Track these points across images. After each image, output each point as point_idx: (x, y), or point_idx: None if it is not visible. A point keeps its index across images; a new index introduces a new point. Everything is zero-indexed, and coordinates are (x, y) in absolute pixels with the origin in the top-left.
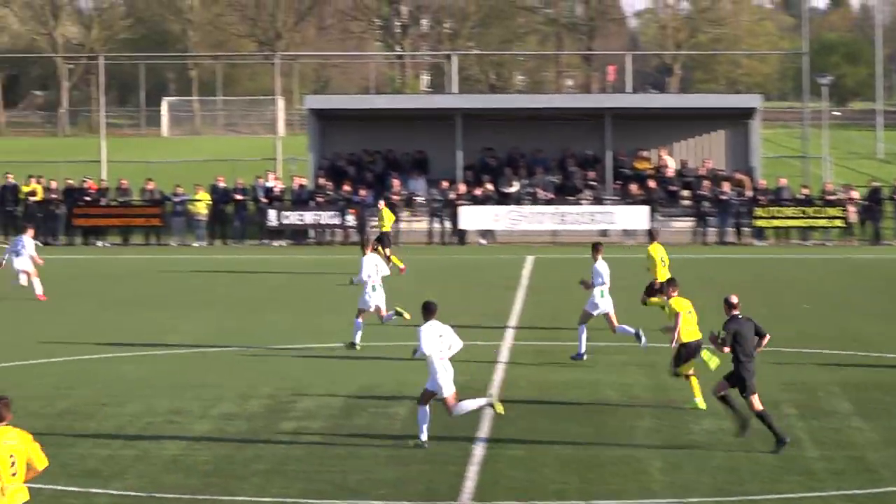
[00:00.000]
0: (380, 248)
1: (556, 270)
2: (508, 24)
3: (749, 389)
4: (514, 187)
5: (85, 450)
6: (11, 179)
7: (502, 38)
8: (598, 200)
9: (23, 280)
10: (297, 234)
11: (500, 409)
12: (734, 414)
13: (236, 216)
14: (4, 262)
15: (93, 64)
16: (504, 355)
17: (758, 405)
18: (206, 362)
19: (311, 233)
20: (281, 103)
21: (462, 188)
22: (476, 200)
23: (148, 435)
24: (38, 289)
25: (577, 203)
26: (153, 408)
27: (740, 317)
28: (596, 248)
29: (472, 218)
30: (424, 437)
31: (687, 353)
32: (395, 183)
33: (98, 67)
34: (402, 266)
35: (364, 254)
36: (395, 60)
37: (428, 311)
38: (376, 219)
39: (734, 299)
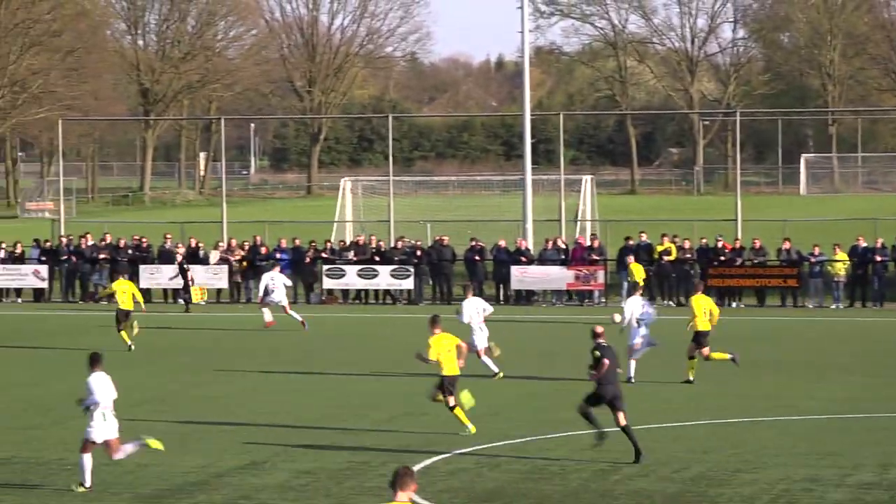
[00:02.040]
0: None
1: None
2: None
3: (616, 407)
4: None
5: None
6: (645, 238)
7: None
8: None
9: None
10: None
11: (154, 444)
12: (594, 426)
13: (875, 278)
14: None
15: (729, 120)
16: None
17: (622, 421)
18: (842, 429)
19: None
20: None
21: None
22: None
23: (782, 503)
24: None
25: None
26: (789, 475)
27: (604, 344)
28: None
29: None
30: (88, 483)
31: (444, 384)
32: None
33: (734, 124)
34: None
35: (466, 297)
36: None
37: (95, 361)
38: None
39: (599, 329)
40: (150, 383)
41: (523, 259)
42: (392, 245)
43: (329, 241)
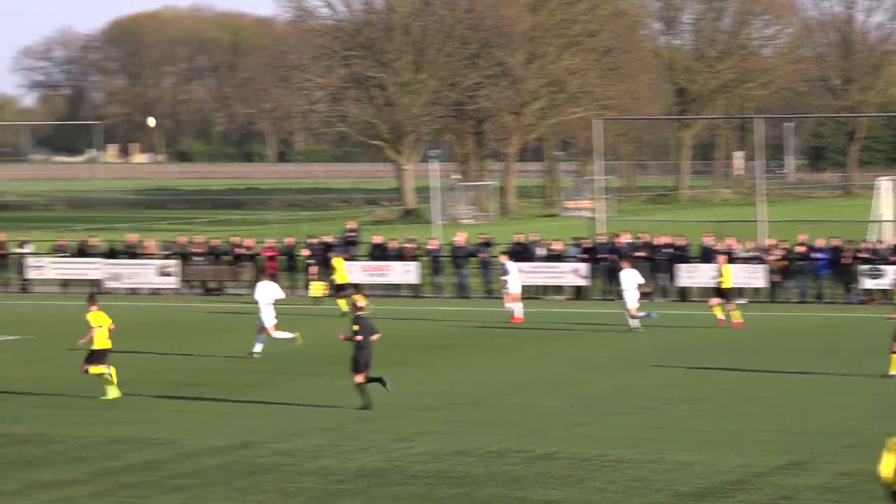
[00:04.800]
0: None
1: None
2: None
3: (358, 370)
4: None
5: None
6: None
7: None
8: None
9: None
10: None
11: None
12: (364, 398)
13: None
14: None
15: None
16: None
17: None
18: None
19: None
20: None
21: None
22: None
23: None
24: None
25: None
26: None
27: (363, 316)
28: None
29: None
30: None
31: (97, 357)
32: None
33: None
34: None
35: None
36: None
37: None
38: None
39: (361, 303)
40: (689, 381)
41: None
42: None
43: (866, 240)
